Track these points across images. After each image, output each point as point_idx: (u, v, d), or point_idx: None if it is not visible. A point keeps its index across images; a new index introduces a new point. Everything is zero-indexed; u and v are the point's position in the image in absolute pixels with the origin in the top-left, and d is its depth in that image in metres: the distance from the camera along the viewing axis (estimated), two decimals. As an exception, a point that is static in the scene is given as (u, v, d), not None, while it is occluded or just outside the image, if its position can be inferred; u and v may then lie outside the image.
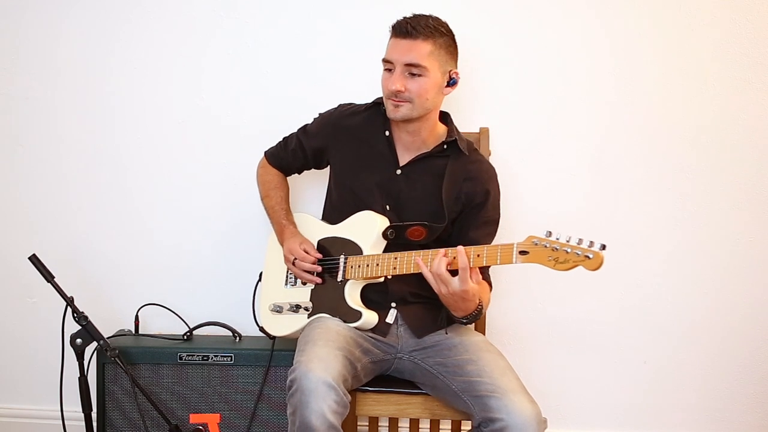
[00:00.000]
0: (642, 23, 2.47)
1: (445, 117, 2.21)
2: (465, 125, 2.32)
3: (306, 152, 2.29)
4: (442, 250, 1.92)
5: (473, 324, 2.34)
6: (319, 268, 2.15)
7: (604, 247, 1.71)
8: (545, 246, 1.76)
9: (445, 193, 2.11)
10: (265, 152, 2.38)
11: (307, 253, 2.16)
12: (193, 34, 2.56)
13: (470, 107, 2.49)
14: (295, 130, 2.33)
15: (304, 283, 2.20)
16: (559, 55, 2.50)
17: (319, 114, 2.29)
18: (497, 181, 2.20)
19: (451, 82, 2.11)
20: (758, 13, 2.44)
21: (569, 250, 1.73)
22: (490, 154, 2.39)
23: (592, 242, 1.73)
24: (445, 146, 2.14)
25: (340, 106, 2.28)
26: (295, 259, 2.16)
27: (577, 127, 2.53)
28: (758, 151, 2.50)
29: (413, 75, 2.03)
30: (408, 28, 2.02)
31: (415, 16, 2.06)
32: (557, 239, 1.76)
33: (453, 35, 2.09)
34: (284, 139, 2.35)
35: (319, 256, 2.16)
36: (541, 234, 1.78)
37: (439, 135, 2.16)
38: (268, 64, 2.56)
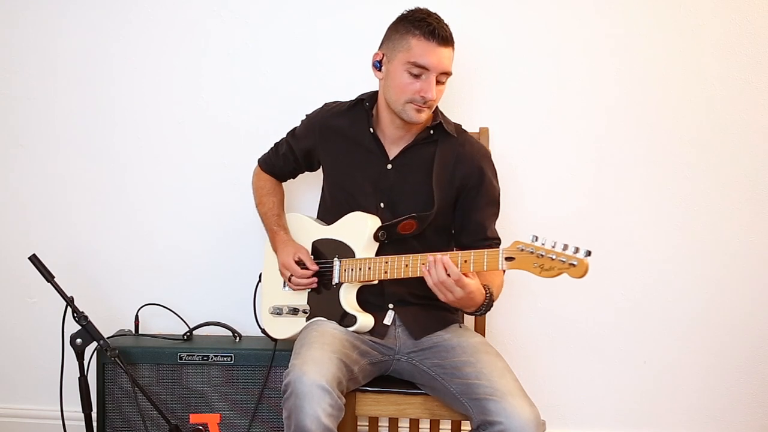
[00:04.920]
0: (642, 23, 2.47)
1: None
2: (465, 125, 2.30)
3: (296, 155, 2.29)
4: (439, 261, 1.88)
5: (473, 325, 2.36)
6: (315, 281, 2.14)
7: (589, 253, 1.68)
8: (530, 252, 1.75)
9: (435, 178, 2.10)
10: (258, 160, 2.38)
11: (301, 263, 2.15)
12: (192, 34, 2.56)
13: (470, 107, 2.49)
14: (285, 135, 2.33)
15: None
16: (559, 54, 2.50)
17: (306, 116, 2.29)
18: (491, 159, 2.18)
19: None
20: (758, 13, 2.44)
21: (554, 257, 1.71)
22: (489, 154, 2.38)
23: (577, 248, 1.70)
24: (431, 131, 2.13)
25: (324, 105, 2.28)
26: (291, 275, 2.15)
27: (577, 126, 2.52)
28: (758, 151, 2.50)
29: (440, 82, 2.03)
30: (446, 35, 1.99)
31: (438, 20, 2.02)
32: (543, 245, 1.74)
33: None
34: (275, 144, 2.35)
35: (316, 268, 2.14)
36: (527, 239, 1.76)
37: (424, 122, 2.15)
38: (267, 64, 2.56)
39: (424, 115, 2.06)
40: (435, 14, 2.04)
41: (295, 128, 2.31)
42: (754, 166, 2.50)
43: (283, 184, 2.40)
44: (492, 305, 2.00)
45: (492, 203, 2.16)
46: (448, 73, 2.04)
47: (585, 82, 2.50)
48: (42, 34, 2.58)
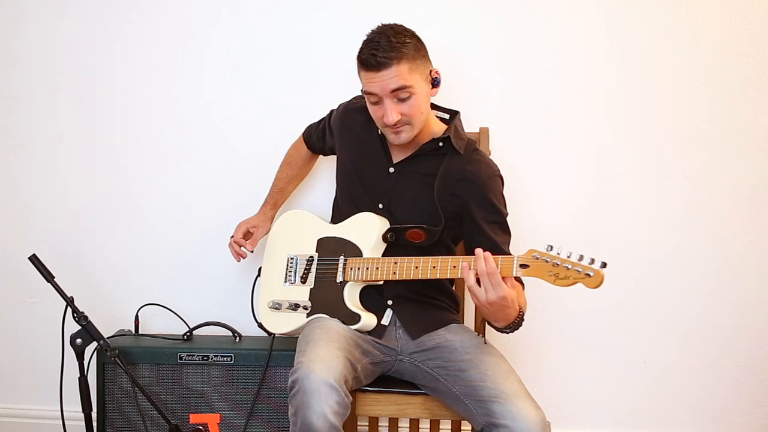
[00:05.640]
0: (642, 23, 2.47)
1: (452, 115, 2.17)
2: (465, 125, 2.28)
3: (325, 139, 2.35)
4: (465, 263, 1.85)
5: (473, 327, 2.36)
6: (241, 255, 2.31)
7: (604, 265, 1.70)
8: (546, 261, 1.75)
9: (437, 192, 2.09)
10: (306, 127, 2.43)
11: (248, 236, 2.32)
12: (192, 34, 2.56)
13: (470, 107, 2.46)
14: (329, 112, 2.36)
15: (303, 282, 2.18)
16: (560, 54, 2.50)
17: (339, 104, 2.30)
18: (497, 179, 2.11)
19: (436, 83, 2.05)
20: (758, 13, 2.43)
21: (570, 267, 1.72)
22: (490, 154, 2.36)
23: (593, 259, 1.71)
24: (440, 144, 2.10)
25: (355, 97, 2.27)
26: (232, 237, 2.30)
27: (577, 126, 2.52)
28: (758, 150, 2.49)
29: (402, 99, 1.97)
30: (378, 60, 1.92)
31: (378, 42, 1.94)
32: (558, 254, 1.74)
33: (417, 36, 2.01)
34: (321, 118, 2.39)
35: (250, 249, 2.31)
36: (542, 247, 1.76)
37: (433, 132, 2.12)
38: (267, 64, 2.55)
39: (405, 135, 2.03)
40: (378, 35, 1.96)
41: (333, 110, 2.34)
42: (754, 166, 2.50)
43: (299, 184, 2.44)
44: (520, 325, 1.93)
45: (501, 223, 2.09)
46: (402, 89, 1.95)
47: (585, 82, 2.50)
48: (42, 33, 2.57)
